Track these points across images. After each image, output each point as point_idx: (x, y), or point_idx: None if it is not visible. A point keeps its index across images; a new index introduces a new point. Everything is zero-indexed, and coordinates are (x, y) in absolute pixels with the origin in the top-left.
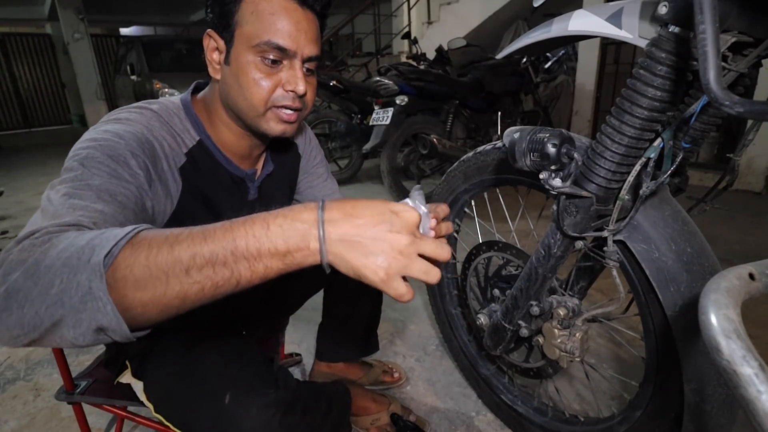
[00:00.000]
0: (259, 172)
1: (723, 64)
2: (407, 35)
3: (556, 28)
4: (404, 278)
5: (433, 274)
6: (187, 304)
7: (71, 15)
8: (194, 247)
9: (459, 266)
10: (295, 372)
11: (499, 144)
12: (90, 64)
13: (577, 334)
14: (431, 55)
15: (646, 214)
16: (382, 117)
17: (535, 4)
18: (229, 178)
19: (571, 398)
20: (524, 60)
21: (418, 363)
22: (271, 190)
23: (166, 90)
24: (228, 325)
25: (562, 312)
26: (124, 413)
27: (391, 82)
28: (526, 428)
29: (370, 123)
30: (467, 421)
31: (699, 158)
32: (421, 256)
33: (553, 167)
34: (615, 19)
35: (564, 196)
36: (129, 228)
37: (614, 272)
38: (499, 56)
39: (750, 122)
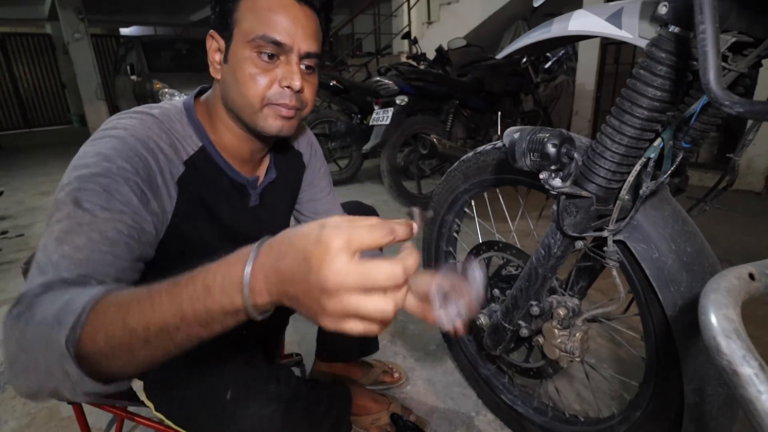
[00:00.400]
0: (261, 179)
1: (723, 64)
2: (407, 35)
3: (556, 28)
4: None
5: (372, 329)
6: (161, 360)
7: (71, 15)
8: (145, 317)
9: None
10: (295, 372)
11: (499, 144)
12: (90, 64)
13: (577, 334)
14: (431, 55)
15: (646, 214)
16: (382, 117)
17: (535, 4)
18: (230, 184)
19: (571, 398)
20: (524, 60)
21: (418, 363)
22: (273, 198)
23: (166, 90)
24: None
25: (562, 312)
26: (124, 413)
27: (391, 82)
28: (526, 428)
29: (370, 123)
30: (467, 421)
31: (699, 158)
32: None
33: (553, 167)
34: (615, 19)
35: (564, 196)
36: (87, 298)
37: (614, 272)
38: (499, 56)
39: (750, 122)
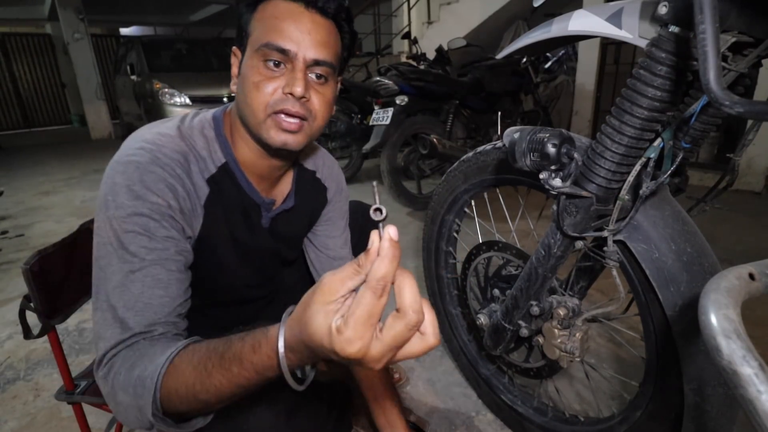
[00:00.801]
0: (278, 203)
1: (723, 64)
2: (407, 35)
3: (556, 28)
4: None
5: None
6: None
7: (71, 15)
8: (212, 393)
9: (459, 266)
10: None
11: (499, 144)
12: (90, 64)
13: (577, 334)
14: (431, 55)
15: (646, 214)
16: (382, 117)
17: (535, 4)
18: (247, 202)
19: (571, 398)
20: (524, 60)
21: (418, 363)
22: (285, 225)
23: (166, 90)
24: (231, 330)
25: (562, 312)
26: None
27: (391, 82)
28: (526, 428)
29: (370, 123)
30: (467, 421)
31: (699, 158)
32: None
33: (553, 167)
34: (615, 19)
35: (564, 196)
36: (160, 367)
37: (614, 272)
38: (499, 56)
39: (750, 122)
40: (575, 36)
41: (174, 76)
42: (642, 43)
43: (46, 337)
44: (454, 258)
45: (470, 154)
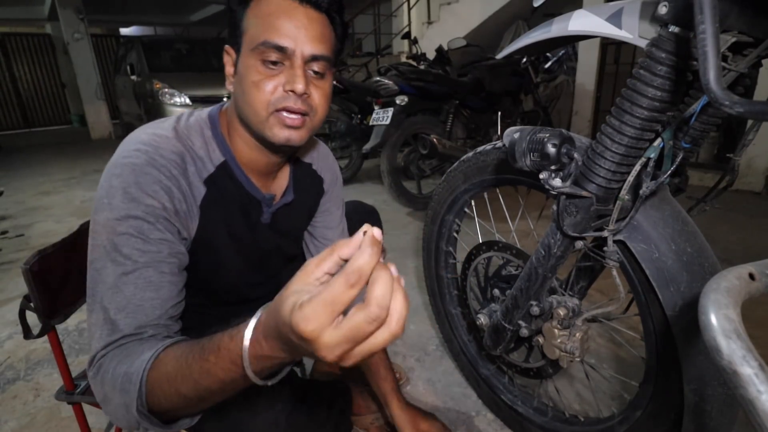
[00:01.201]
0: (277, 198)
1: (723, 64)
2: (407, 35)
3: (556, 28)
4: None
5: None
6: (225, 399)
7: (71, 15)
8: (193, 388)
9: (459, 266)
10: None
11: (499, 144)
12: (90, 64)
13: (577, 334)
14: (431, 55)
15: (646, 214)
16: (382, 117)
17: (535, 4)
18: (247, 199)
19: (571, 398)
20: (524, 60)
21: (418, 363)
22: (286, 219)
23: (166, 90)
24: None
25: (562, 312)
26: None
27: (391, 82)
28: (526, 428)
29: (370, 123)
30: (467, 421)
31: (699, 158)
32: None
33: (553, 167)
34: (615, 19)
35: (564, 196)
36: (145, 362)
37: (614, 272)
38: (499, 56)
39: (750, 122)
40: (575, 36)
41: (174, 76)
42: (642, 43)
43: (46, 337)
44: (454, 258)
45: (470, 154)
